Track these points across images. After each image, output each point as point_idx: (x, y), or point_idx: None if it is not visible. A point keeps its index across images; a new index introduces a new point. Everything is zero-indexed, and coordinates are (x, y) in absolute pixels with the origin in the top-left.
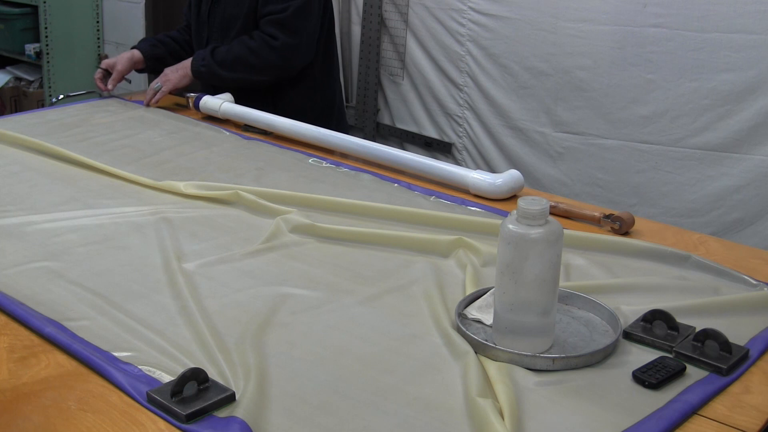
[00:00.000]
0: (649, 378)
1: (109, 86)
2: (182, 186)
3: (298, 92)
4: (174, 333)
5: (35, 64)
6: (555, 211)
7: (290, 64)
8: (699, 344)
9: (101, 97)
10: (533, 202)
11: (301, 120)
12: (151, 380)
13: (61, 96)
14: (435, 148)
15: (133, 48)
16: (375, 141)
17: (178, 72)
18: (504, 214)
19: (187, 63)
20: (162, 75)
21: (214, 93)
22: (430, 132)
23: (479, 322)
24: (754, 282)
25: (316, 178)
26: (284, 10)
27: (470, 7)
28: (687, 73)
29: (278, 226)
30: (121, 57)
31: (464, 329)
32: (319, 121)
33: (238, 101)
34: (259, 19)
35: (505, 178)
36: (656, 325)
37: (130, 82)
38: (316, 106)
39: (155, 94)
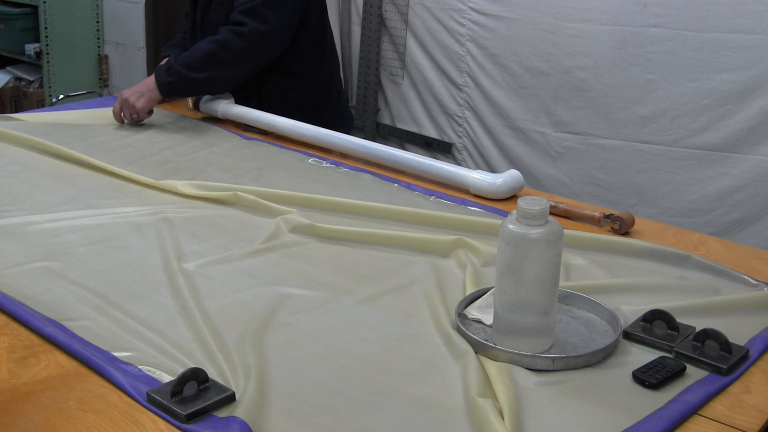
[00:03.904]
0: (649, 378)
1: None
2: (180, 186)
3: (283, 89)
4: (174, 333)
5: (35, 64)
6: (555, 211)
7: (260, 50)
8: (699, 344)
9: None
10: (533, 202)
11: (289, 117)
12: (151, 380)
13: (61, 96)
14: (435, 148)
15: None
16: (375, 141)
17: (143, 97)
18: (504, 214)
19: (149, 84)
20: (123, 102)
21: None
22: (430, 132)
23: (479, 322)
24: (754, 282)
25: (316, 178)
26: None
27: (470, 7)
28: (687, 73)
29: (278, 226)
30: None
31: (464, 329)
32: (310, 120)
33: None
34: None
35: (505, 178)
36: (656, 325)
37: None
38: (304, 104)
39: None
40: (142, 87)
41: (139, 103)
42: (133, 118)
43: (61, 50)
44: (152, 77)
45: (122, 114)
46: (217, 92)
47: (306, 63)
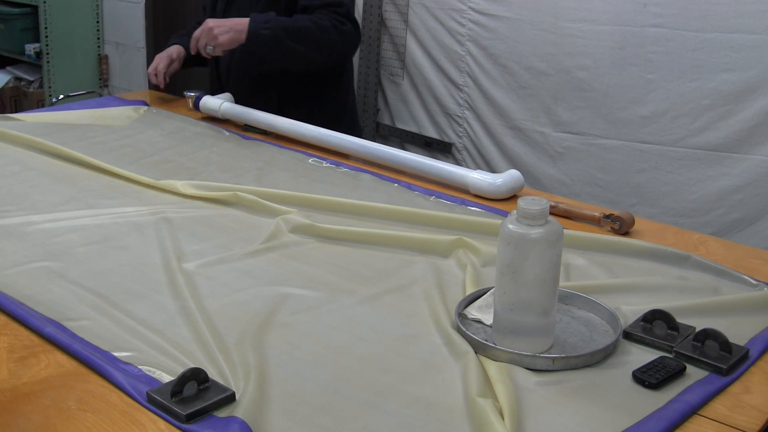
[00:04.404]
0: (649, 378)
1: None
2: (180, 185)
3: (305, 96)
4: (174, 333)
5: (35, 64)
6: (555, 211)
7: (345, 51)
8: (699, 344)
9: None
10: (533, 202)
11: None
12: (151, 380)
13: (61, 96)
14: (435, 148)
15: (170, 45)
16: (375, 141)
17: (229, 34)
18: (504, 214)
19: (239, 24)
20: (206, 30)
21: (218, 91)
22: (430, 132)
23: (479, 322)
24: (754, 282)
25: (316, 178)
26: (343, 3)
27: (470, 7)
28: (687, 73)
29: (278, 226)
30: (161, 57)
31: (464, 329)
32: (328, 126)
33: (241, 101)
34: (304, 8)
35: (505, 178)
36: (656, 325)
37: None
38: (325, 112)
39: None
40: (231, 24)
41: (222, 38)
42: (208, 50)
43: (61, 50)
44: (244, 20)
45: (199, 41)
46: (286, 67)
47: (330, 70)
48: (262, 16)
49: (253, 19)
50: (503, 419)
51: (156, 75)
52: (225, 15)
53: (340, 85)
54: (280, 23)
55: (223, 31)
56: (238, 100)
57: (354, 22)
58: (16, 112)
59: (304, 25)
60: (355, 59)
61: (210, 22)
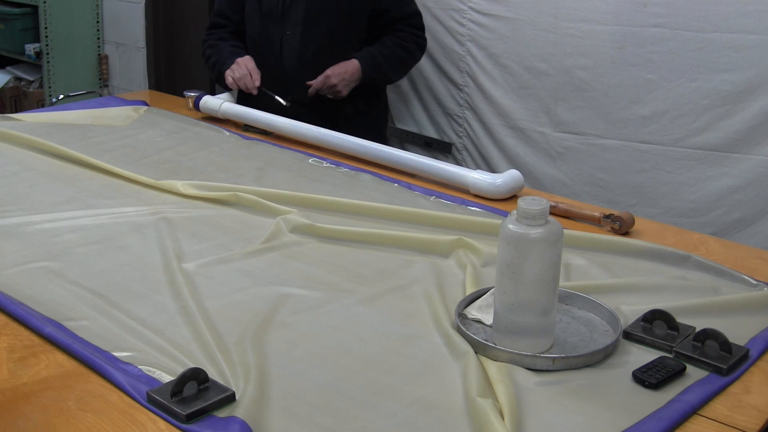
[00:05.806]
0: (649, 378)
1: (256, 83)
2: (180, 186)
3: (362, 108)
4: (174, 333)
5: (35, 64)
6: (555, 211)
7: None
8: (699, 344)
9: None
10: (533, 202)
11: (357, 125)
12: (151, 380)
13: (61, 96)
14: (435, 148)
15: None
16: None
17: (349, 86)
18: (504, 214)
19: (355, 74)
20: (329, 86)
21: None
22: (430, 132)
23: (479, 322)
24: (754, 282)
25: (316, 178)
26: (417, 13)
27: (470, 7)
28: (687, 73)
29: (278, 226)
30: (245, 61)
31: (464, 329)
32: (378, 132)
33: (306, 102)
34: (384, 17)
35: (505, 178)
36: (656, 325)
37: (286, 104)
38: (376, 118)
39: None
40: (348, 76)
41: (345, 91)
42: (328, 96)
43: (61, 50)
44: (357, 67)
45: (321, 90)
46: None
47: None
48: (368, 58)
49: (362, 64)
50: (503, 419)
51: (247, 77)
52: (285, 13)
53: (384, 89)
54: (384, 62)
55: (345, 85)
56: (302, 100)
57: (424, 29)
58: (16, 112)
59: (399, 55)
60: None
61: (333, 79)
